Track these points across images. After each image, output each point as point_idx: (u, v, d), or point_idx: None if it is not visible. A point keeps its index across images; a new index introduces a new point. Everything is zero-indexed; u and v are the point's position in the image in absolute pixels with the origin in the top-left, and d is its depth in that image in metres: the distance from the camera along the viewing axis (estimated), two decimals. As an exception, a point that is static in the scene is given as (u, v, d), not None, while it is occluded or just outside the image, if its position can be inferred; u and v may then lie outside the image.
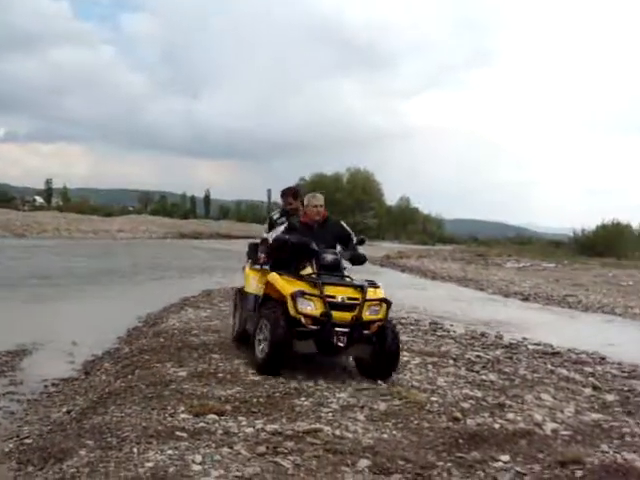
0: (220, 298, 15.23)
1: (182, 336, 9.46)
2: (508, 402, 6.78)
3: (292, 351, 7.10)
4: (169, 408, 5.69)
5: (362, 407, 6.09)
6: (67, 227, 52.38)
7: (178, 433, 5.04)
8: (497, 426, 5.96)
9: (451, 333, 12.18)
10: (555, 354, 10.49)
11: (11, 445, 5.54)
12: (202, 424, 5.31)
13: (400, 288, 19.95)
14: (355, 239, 8.04)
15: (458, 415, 6.15)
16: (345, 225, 8.28)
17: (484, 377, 7.94)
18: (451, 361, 8.89)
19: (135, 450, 4.66)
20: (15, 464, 4.96)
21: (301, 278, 7.27)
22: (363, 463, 4.71)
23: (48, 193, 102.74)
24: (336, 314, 6.97)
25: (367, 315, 7.11)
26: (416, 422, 5.86)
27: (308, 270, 7.43)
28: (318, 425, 5.44)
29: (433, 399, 6.65)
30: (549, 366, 9.31)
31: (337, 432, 5.34)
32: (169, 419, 5.41)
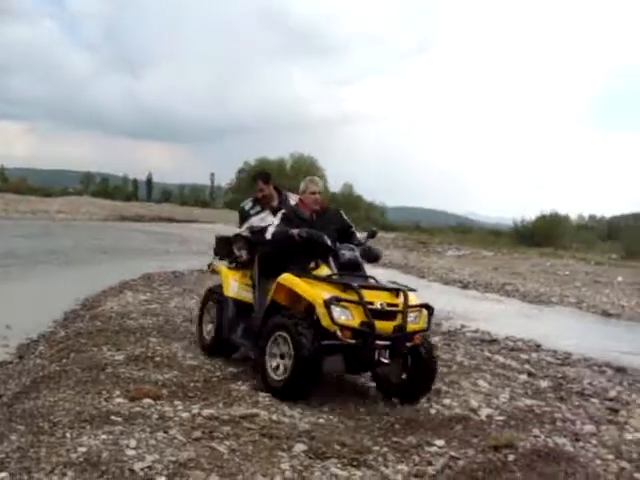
0: (160, 282, 15.06)
1: (120, 320, 9.33)
2: (445, 388, 6.88)
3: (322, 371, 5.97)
4: (104, 392, 5.62)
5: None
6: (4, 207, 51.03)
7: (113, 417, 4.97)
8: (433, 412, 6.05)
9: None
10: (492, 341, 10.65)
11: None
12: (138, 408, 5.24)
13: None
14: (366, 232, 7.12)
15: (395, 401, 6.21)
16: (344, 215, 7.20)
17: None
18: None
19: (68, 435, 4.58)
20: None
21: (325, 280, 6.13)
22: (299, 448, 4.72)
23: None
24: (377, 324, 5.85)
25: (411, 325, 6.08)
26: (353, 407, 5.90)
27: (325, 270, 6.33)
28: (255, 410, 5.43)
29: (371, 385, 6.72)
30: (486, 353, 9.46)
31: (274, 417, 5.35)
32: (104, 403, 5.33)
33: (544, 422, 6.04)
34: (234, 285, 7.42)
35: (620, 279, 23.66)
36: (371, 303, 5.87)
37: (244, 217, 7.54)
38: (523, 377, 7.97)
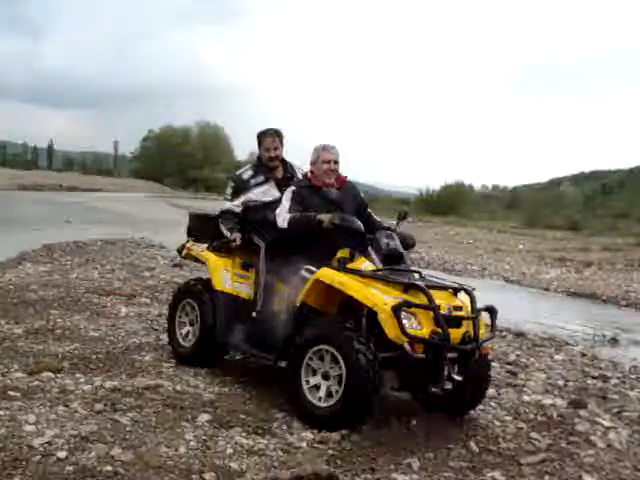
0: (61, 252, 14.61)
1: (19, 292, 9.03)
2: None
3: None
4: (1, 367, 5.48)
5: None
6: None
7: (11, 393, 4.84)
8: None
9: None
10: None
11: None
12: (37, 382, 5.14)
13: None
14: (398, 214, 5.66)
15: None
16: (358, 189, 5.95)
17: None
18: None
19: (-38, 412, 4.43)
20: None
21: (376, 278, 4.92)
22: (203, 417, 4.71)
23: None
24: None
25: (482, 333, 4.98)
26: (258, 377, 5.92)
27: (365, 263, 5.09)
28: (159, 381, 5.39)
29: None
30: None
31: (178, 387, 5.32)
32: (1, 378, 5.19)
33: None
34: (226, 276, 6.01)
35: (521, 247, 24.48)
36: (439, 307, 4.74)
37: (240, 188, 6.04)
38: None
